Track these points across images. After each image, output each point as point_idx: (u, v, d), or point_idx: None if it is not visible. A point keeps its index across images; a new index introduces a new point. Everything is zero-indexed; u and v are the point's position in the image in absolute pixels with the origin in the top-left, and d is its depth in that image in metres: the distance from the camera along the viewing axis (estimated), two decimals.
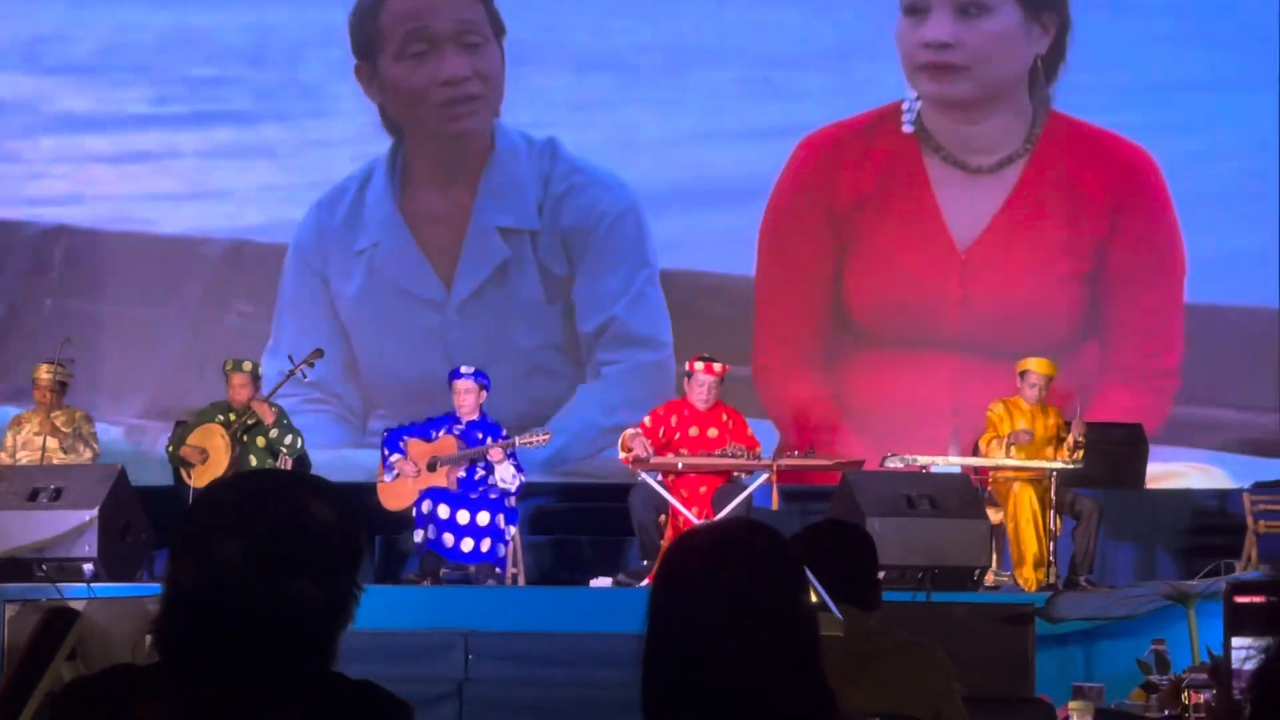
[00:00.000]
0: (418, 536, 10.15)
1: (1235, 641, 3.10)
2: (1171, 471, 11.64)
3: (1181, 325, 12.26)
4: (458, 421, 10.48)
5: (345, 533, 2.41)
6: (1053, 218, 12.34)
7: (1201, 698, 4.28)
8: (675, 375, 12.09)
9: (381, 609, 8.73)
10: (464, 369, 10.57)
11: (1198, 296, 12.29)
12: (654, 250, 12.47)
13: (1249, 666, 2.11)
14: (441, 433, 10.44)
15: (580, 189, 12.57)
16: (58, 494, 9.75)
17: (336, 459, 11.74)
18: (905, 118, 12.42)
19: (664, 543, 9.94)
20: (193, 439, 10.52)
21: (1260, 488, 10.93)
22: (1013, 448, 10.33)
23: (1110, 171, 12.37)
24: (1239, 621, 3.17)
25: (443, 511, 10.07)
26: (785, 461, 10.14)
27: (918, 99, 12.42)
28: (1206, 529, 11.80)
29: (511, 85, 12.66)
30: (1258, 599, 3.07)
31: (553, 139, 12.58)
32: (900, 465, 10.26)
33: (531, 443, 10.26)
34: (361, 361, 12.46)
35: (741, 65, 12.56)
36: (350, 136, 12.73)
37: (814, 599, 2.56)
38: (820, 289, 12.40)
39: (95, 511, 9.60)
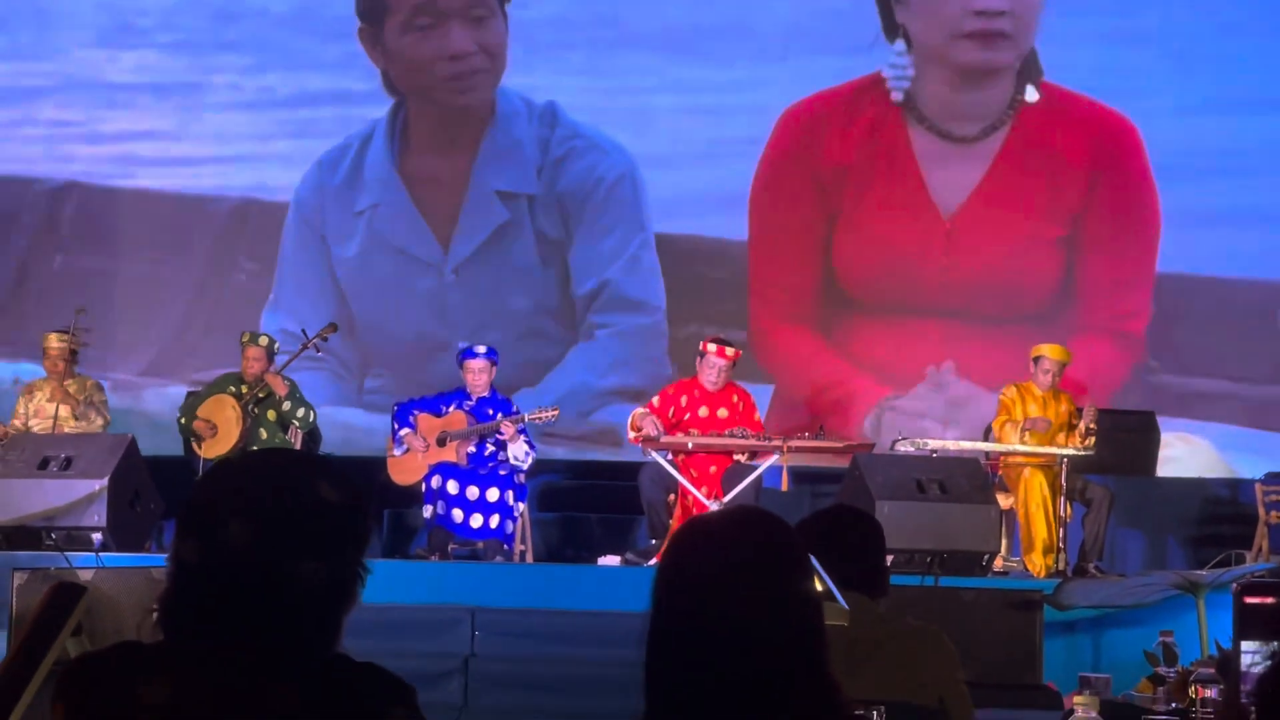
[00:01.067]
0: (426, 512, 10.15)
1: (1244, 645, 3.06)
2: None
3: (1151, 290, 12.29)
4: (468, 397, 10.47)
5: (352, 514, 2.41)
6: (1034, 184, 12.42)
7: (1208, 693, 4.26)
8: (668, 339, 12.17)
9: (389, 584, 8.74)
10: (478, 349, 10.52)
11: (1194, 267, 12.29)
12: (649, 215, 12.51)
13: (1257, 671, 2.10)
14: (452, 408, 10.44)
15: (579, 153, 12.61)
16: (68, 463, 9.75)
17: (331, 415, 11.80)
18: (893, 84, 12.44)
19: (673, 522, 9.94)
20: (203, 410, 10.51)
21: (1272, 478, 10.88)
22: (1027, 433, 10.32)
23: (1090, 137, 12.42)
24: (1248, 624, 3.14)
25: (452, 487, 10.07)
26: (795, 443, 10.11)
27: (909, 67, 12.44)
28: (1217, 518, 11.80)
29: (514, 47, 12.68)
30: (1268, 600, 3.04)
31: (552, 103, 12.63)
32: (910, 449, 10.25)
33: (540, 418, 10.26)
34: (358, 321, 12.49)
35: (748, 37, 12.56)
36: (358, 97, 12.75)
37: (819, 587, 2.55)
38: (811, 255, 12.46)
39: (105, 481, 9.61)
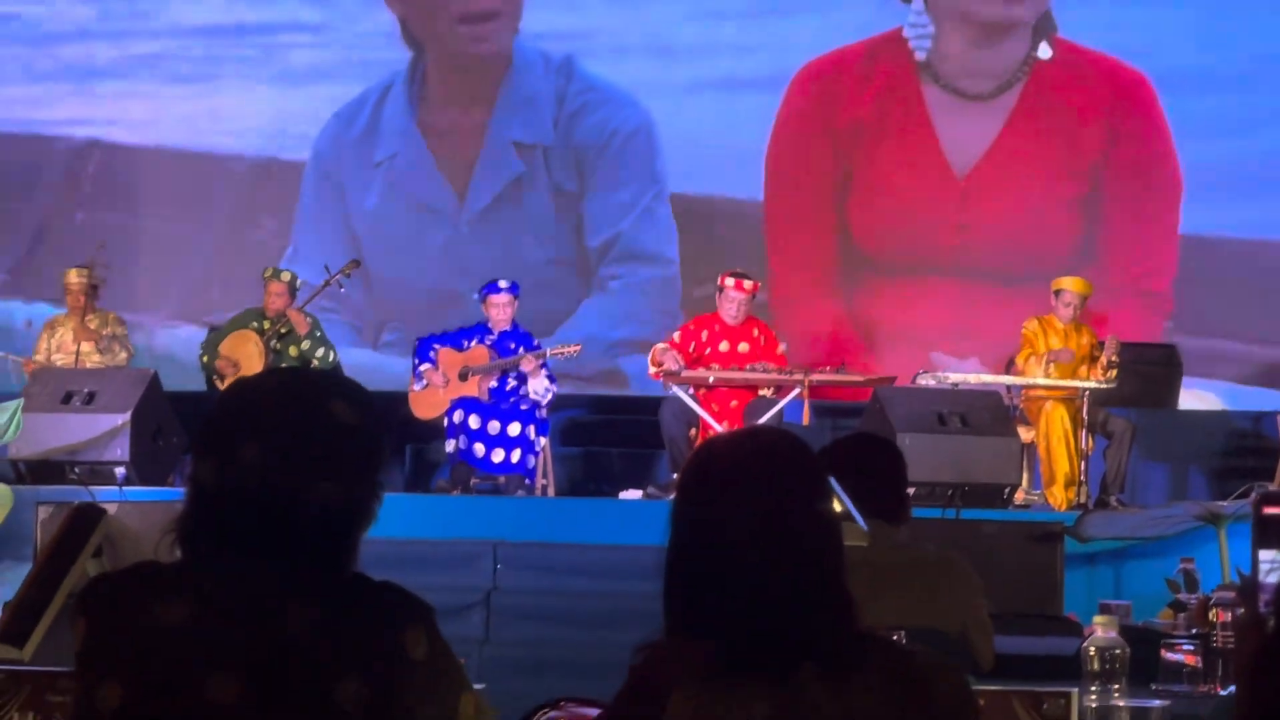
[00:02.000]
0: (449, 446, 10.16)
1: (1262, 555, 3.08)
2: None
3: (1176, 247, 12.21)
4: (489, 332, 10.47)
5: (367, 434, 2.41)
6: (1050, 142, 12.30)
7: (1229, 616, 4.26)
8: (683, 297, 12.16)
9: (411, 518, 8.77)
10: (501, 283, 10.49)
11: (1211, 229, 12.22)
12: (664, 169, 12.47)
13: (1274, 579, 2.09)
14: (473, 342, 10.44)
15: (594, 106, 12.60)
16: (91, 397, 9.75)
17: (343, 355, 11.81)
18: (915, 44, 12.35)
19: None
20: (225, 345, 10.53)
21: None
22: (1051, 365, 10.30)
23: (1106, 94, 12.30)
24: (1267, 534, 3.15)
25: (474, 422, 10.08)
26: (817, 376, 10.10)
27: (929, 25, 12.35)
28: (1239, 450, 11.77)
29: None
30: None
31: (569, 56, 12.60)
32: (932, 382, 10.23)
33: (562, 353, 10.27)
34: (374, 272, 12.46)
35: None
36: (378, 54, 12.70)
37: (838, 508, 2.55)
38: (828, 214, 12.42)
39: (128, 415, 9.61)
